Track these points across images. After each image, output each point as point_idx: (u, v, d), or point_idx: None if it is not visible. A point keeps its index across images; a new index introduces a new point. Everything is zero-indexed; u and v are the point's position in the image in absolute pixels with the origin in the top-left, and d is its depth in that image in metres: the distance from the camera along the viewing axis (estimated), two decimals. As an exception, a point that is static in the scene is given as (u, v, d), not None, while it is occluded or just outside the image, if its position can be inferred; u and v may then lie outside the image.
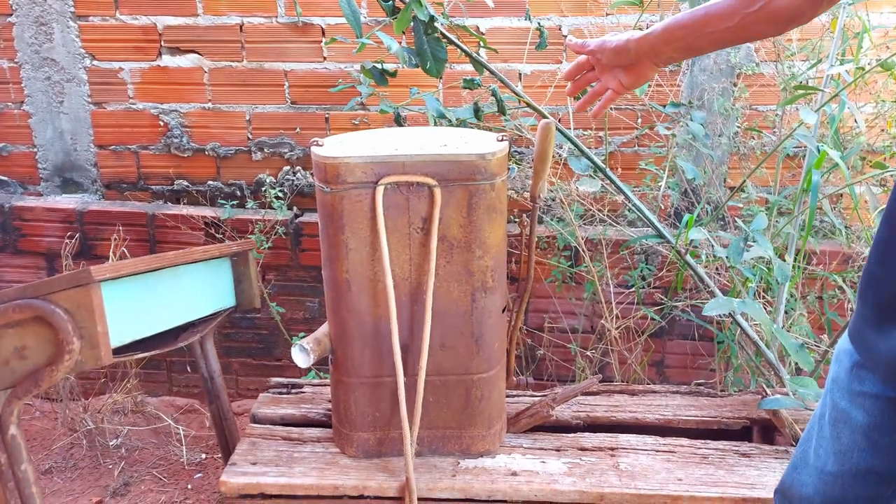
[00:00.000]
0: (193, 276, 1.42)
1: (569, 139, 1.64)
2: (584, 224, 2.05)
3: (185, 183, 2.31)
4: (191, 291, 1.42)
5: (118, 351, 1.19)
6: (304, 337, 1.33)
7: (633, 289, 2.00)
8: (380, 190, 1.16)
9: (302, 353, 1.23)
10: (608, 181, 1.76)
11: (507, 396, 1.42)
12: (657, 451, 1.30)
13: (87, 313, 1.10)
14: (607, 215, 1.99)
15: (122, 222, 2.24)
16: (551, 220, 2.06)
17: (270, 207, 2.16)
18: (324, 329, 1.30)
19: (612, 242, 2.07)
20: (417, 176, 1.16)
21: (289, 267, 2.29)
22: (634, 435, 1.36)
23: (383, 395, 1.28)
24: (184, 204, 2.30)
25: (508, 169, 1.22)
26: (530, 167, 1.98)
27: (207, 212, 2.25)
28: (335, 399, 1.32)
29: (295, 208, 2.28)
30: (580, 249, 2.00)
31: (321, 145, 1.19)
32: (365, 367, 1.27)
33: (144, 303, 1.28)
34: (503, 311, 1.29)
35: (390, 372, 1.24)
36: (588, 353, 2.03)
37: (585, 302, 2.18)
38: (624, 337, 1.99)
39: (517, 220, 1.31)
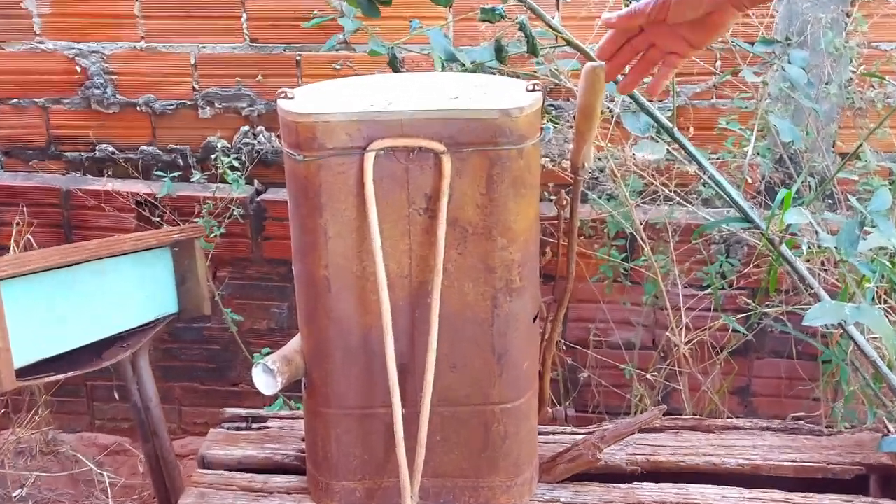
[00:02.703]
0: (122, 272, 1.44)
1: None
2: (644, 203, 2.06)
3: (111, 149, 2.34)
4: (119, 294, 1.44)
5: (23, 373, 1.21)
6: (269, 354, 1.34)
7: (710, 291, 2.00)
8: (369, 157, 1.16)
9: (266, 375, 1.24)
10: (676, 145, 1.76)
11: (540, 434, 1.43)
12: (740, 507, 1.31)
13: (-18, 322, 1.12)
14: (674, 191, 2.00)
15: (26, 201, 2.27)
16: (599, 197, 2.06)
17: (223, 181, 2.18)
18: (295, 344, 1.31)
19: (682, 228, 2.08)
20: (420, 139, 1.16)
21: (248, 261, 2.32)
22: (710, 486, 1.36)
23: (374, 431, 1.29)
24: (108, 177, 2.34)
25: (542, 129, 1.23)
26: (571, 127, 1.98)
27: (140, 186, 2.28)
28: (310, 437, 1.33)
29: (256, 182, 2.31)
30: (638, 238, 2.01)
31: (291, 98, 1.20)
32: (350, 393, 1.28)
33: (58, 309, 1.29)
34: (534, 319, 1.30)
35: (383, 401, 1.25)
36: (648, 376, 2.04)
37: (645, 308, 2.19)
38: (697, 355, 2.00)
39: (553, 198, 1.31)
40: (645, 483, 1.37)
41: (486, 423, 1.29)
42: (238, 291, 2.33)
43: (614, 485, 1.36)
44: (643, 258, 2.04)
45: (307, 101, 1.20)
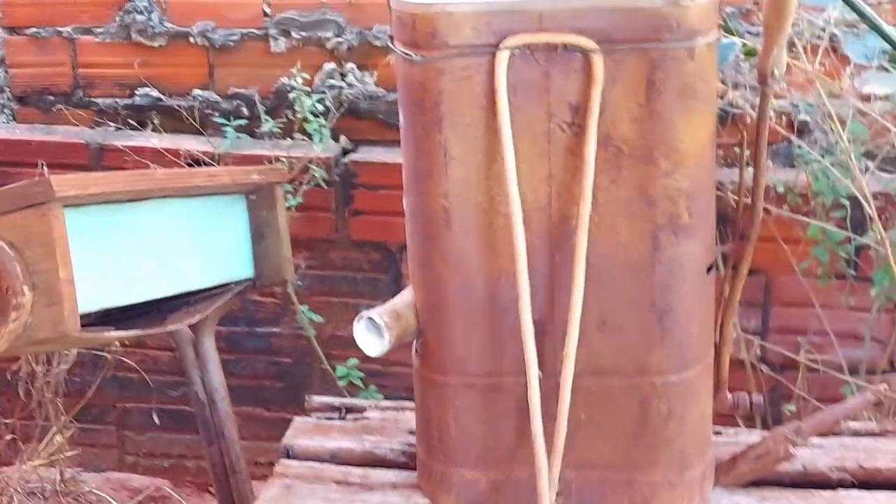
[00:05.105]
0: (192, 218, 1.75)
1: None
2: (870, 164, 2.24)
3: (155, 94, 2.64)
4: (186, 244, 1.75)
5: (85, 322, 1.52)
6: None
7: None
8: (502, 58, 1.41)
9: (372, 332, 1.50)
10: None
11: (716, 428, 1.66)
12: (980, 522, 1.52)
13: (44, 249, 1.43)
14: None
15: (47, 159, 2.45)
16: (804, 151, 2.26)
17: (304, 135, 2.47)
18: (406, 296, 1.58)
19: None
20: (564, 34, 1.40)
21: (331, 243, 2.58)
22: (940, 497, 1.57)
23: (502, 407, 1.54)
24: (152, 130, 2.64)
25: (720, 26, 1.46)
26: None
27: (192, 143, 2.55)
28: (422, 415, 1.60)
29: (343, 139, 2.59)
30: (866, 208, 2.18)
31: (406, -11, 1.47)
32: (472, 358, 1.53)
33: (120, 253, 1.61)
34: (708, 270, 1.53)
35: (514, 368, 1.49)
36: (870, 390, 2.20)
37: (874, 312, 2.36)
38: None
39: (734, 117, 1.54)
40: (855, 491, 1.59)
41: (643, 400, 1.52)
42: (317, 284, 2.59)
43: (814, 491, 1.58)
44: (872, 233, 2.21)
45: (425, -10, 1.46)
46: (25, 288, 1.44)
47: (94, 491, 2.70)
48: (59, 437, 2.65)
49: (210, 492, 2.83)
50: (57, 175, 1.45)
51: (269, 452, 2.64)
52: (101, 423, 2.78)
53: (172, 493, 2.75)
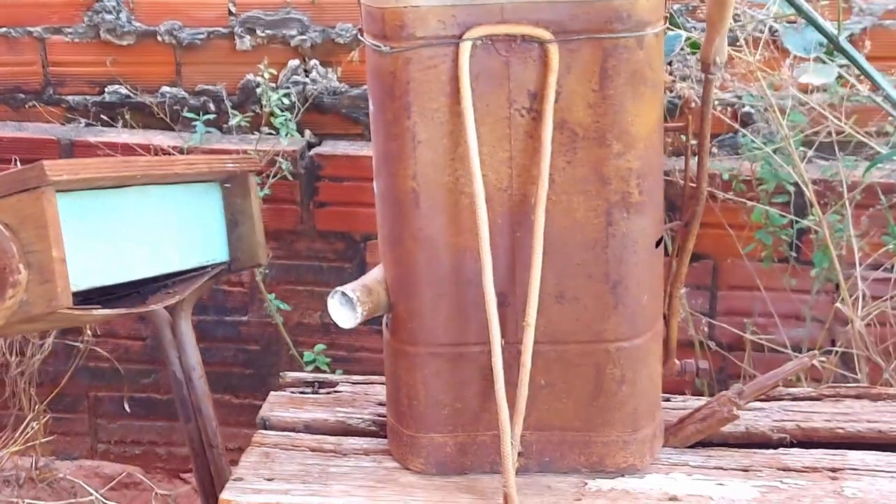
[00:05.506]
0: (171, 204, 1.86)
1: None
2: (809, 151, 2.37)
3: (124, 91, 2.74)
4: (166, 228, 1.86)
5: (73, 302, 1.62)
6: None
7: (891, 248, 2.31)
8: (465, 48, 1.53)
9: (345, 307, 1.62)
10: (854, 68, 2.04)
11: (665, 396, 1.79)
12: (909, 472, 1.65)
13: (38, 230, 1.54)
14: (852, 130, 2.31)
15: (20, 155, 2.62)
16: (748, 140, 2.40)
17: (271, 129, 2.57)
18: (376, 273, 1.69)
19: (866, 188, 2.39)
20: (523, 25, 1.52)
21: (297, 234, 2.69)
22: (874, 452, 1.70)
23: (468, 374, 1.66)
24: (122, 126, 2.74)
25: (667, 18, 1.59)
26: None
27: (161, 138, 2.66)
28: (392, 383, 1.71)
29: (308, 133, 2.70)
30: (804, 193, 2.32)
31: (375, -14, 1.59)
32: (439, 329, 1.65)
33: (108, 233, 1.72)
34: (657, 244, 1.66)
35: (478, 337, 1.61)
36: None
37: (814, 294, 2.50)
38: (879, 335, 2.31)
39: (679, 102, 1.66)
40: (793, 449, 1.72)
41: (598, 365, 1.65)
42: (284, 274, 2.71)
43: (756, 450, 1.71)
44: (812, 217, 2.35)
45: (394, -14, 1.58)
46: (21, 266, 1.54)
47: (68, 478, 2.77)
48: (34, 425, 2.72)
49: (181, 477, 2.92)
50: (50, 161, 1.55)
51: (239, 438, 2.72)
52: (73, 411, 2.86)
53: (144, 479, 2.83)
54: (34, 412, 2.73)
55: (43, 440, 2.73)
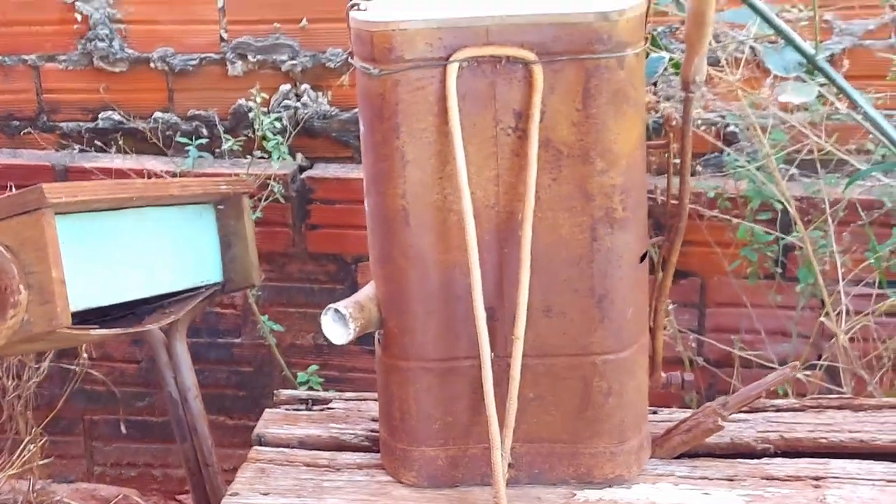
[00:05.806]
0: (166, 226, 1.91)
1: (760, 15, 2.02)
2: (791, 169, 2.42)
3: (117, 117, 2.77)
4: (162, 250, 1.90)
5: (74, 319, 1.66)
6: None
7: (871, 261, 2.36)
8: (452, 70, 1.57)
9: (338, 322, 1.66)
10: (832, 87, 2.09)
11: (652, 408, 1.83)
12: (889, 480, 1.69)
13: (38, 252, 1.58)
14: (833, 148, 2.36)
15: (14, 181, 2.62)
16: (732, 158, 2.45)
17: (263, 152, 2.61)
18: (368, 290, 1.73)
19: (847, 205, 2.44)
20: (508, 47, 1.57)
21: (289, 257, 2.73)
22: (856, 461, 1.75)
23: (458, 388, 1.71)
24: (116, 151, 2.77)
25: (647, 39, 1.64)
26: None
27: (154, 163, 2.69)
28: (385, 398, 1.76)
29: (300, 156, 2.74)
30: (787, 210, 2.36)
31: (364, 9, 1.64)
32: (430, 344, 1.69)
33: (105, 254, 1.76)
34: (641, 259, 1.70)
35: (468, 352, 1.65)
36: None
37: (800, 307, 2.54)
38: (862, 349, 2.35)
39: (660, 121, 1.71)
40: (777, 459, 1.76)
41: (585, 378, 1.69)
42: (276, 296, 2.75)
43: (740, 460, 1.76)
44: (795, 233, 2.40)
45: (382, 8, 1.62)
46: (22, 287, 1.58)
47: (65, 501, 2.80)
48: (30, 448, 2.74)
49: (176, 499, 2.95)
50: (49, 184, 1.59)
51: (233, 458, 2.72)
52: (69, 434, 2.89)
53: (140, 501, 2.86)
54: (31, 435, 2.75)
55: (40, 463, 2.74)
